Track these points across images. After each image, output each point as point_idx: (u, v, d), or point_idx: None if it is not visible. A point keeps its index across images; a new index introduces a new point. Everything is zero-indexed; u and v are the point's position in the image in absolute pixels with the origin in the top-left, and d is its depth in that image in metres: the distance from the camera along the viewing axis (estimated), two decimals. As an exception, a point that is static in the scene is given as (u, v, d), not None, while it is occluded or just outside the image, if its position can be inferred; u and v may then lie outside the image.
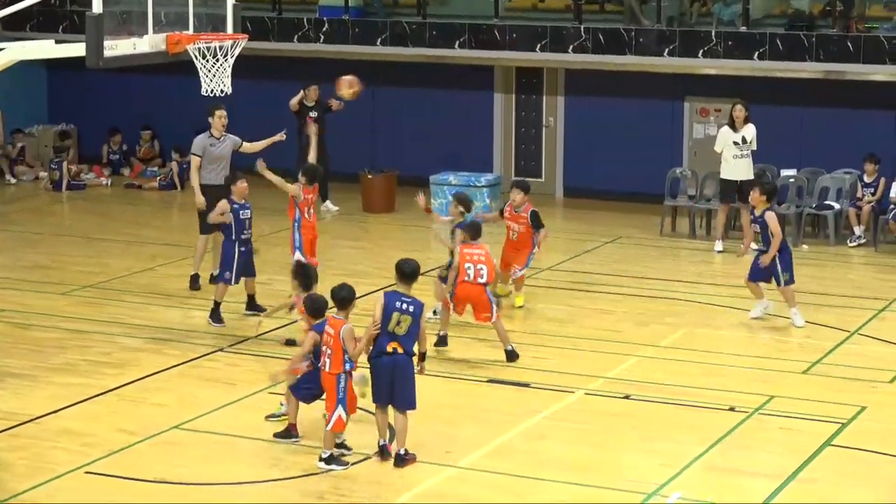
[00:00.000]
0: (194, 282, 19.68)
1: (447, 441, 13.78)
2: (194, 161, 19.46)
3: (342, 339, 13.12)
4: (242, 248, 17.55)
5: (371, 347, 13.27)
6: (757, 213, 17.93)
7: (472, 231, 16.63)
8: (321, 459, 13.24)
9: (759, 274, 17.96)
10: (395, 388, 13.23)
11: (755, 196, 18.01)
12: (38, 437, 14.10)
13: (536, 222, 18.37)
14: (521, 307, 18.57)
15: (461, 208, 17.26)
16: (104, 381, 15.73)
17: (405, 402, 13.31)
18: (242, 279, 17.82)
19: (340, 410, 13.19)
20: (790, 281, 17.85)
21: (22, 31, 26.50)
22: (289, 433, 13.84)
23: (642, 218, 23.90)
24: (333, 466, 13.18)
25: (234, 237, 17.49)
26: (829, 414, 14.75)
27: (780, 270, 17.79)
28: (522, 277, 18.68)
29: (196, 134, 27.22)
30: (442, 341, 16.60)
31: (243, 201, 17.55)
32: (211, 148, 19.35)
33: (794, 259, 18.10)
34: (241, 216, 17.51)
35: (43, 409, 14.79)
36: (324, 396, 13.38)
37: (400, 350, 13.22)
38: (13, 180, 27.88)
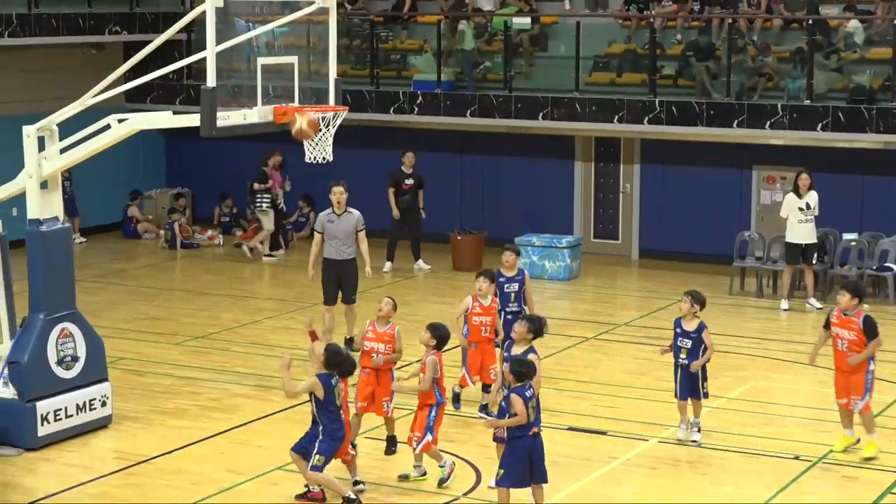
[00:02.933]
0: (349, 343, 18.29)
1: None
2: (316, 237, 19.01)
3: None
4: (509, 317, 16.16)
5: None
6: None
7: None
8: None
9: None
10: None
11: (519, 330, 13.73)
12: (152, 476, 14.17)
13: (871, 330, 14.52)
14: (872, 458, 14.66)
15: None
16: (213, 425, 15.82)
17: None
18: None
19: (428, 435, 13.77)
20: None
21: (143, 102, 26.86)
22: None
23: (713, 277, 23.65)
24: None
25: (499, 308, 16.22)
26: (887, 464, 14.51)
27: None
28: (868, 407, 14.65)
29: (302, 198, 27.67)
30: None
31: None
32: (329, 224, 18.80)
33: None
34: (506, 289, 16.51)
35: (156, 450, 14.88)
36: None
37: None
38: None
